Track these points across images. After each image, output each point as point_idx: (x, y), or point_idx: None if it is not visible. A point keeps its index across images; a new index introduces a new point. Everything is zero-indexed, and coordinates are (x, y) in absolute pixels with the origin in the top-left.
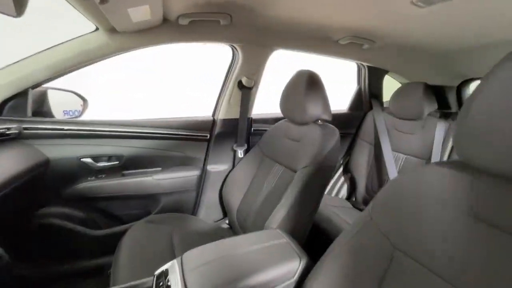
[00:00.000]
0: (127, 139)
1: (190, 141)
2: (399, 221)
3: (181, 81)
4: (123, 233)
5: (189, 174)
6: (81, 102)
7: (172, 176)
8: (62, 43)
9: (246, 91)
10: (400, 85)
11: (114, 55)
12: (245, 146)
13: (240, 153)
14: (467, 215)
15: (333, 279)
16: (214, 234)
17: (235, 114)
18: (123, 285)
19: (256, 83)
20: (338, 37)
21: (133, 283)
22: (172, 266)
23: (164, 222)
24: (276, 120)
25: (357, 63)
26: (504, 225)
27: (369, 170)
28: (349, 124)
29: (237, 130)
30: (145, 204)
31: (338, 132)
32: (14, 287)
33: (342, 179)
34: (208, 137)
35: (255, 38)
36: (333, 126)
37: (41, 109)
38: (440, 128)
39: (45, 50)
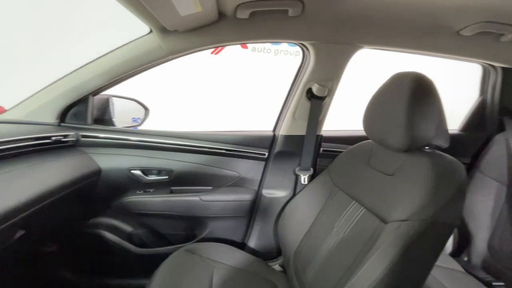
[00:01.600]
0: (179, 153)
1: (245, 159)
2: None
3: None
4: (167, 255)
5: (241, 198)
6: (142, 110)
7: (222, 198)
8: (118, 47)
9: (316, 102)
10: None
11: (168, 60)
12: (311, 171)
13: (303, 179)
14: None
15: None
16: (264, 280)
17: (300, 130)
18: None
19: (330, 91)
20: (462, 25)
21: None
22: None
23: (207, 254)
24: (355, 140)
25: (482, 64)
26: None
27: (497, 220)
28: (462, 150)
29: (301, 150)
30: (192, 226)
31: (463, 169)
32: None
33: None
34: (266, 155)
35: (334, 33)
36: (452, 157)
37: (103, 117)
38: None
39: (102, 56)
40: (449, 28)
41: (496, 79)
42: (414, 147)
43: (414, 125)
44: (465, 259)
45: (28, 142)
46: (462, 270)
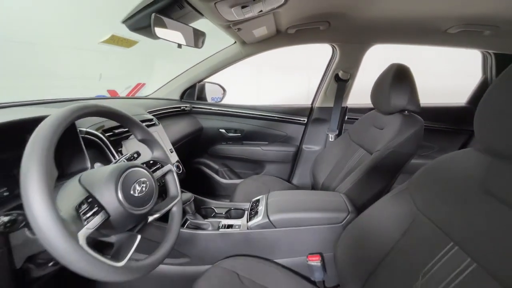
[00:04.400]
0: (247, 118)
1: (290, 124)
2: (429, 191)
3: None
4: (237, 184)
5: (288, 149)
6: (222, 91)
7: (275, 149)
8: (216, 53)
9: (341, 83)
10: None
11: (243, 59)
12: (336, 132)
13: (331, 137)
14: (484, 192)
15: (366, 228)
16: None
17: (330, 103)
18: (236, 203)
19: (352, 76)
20: (446, 26)
21: (240, 203)
22: (262, 197)
23: (266, 182)
24: (370, 110)
25: (481, 51)
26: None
27: None
28: (466, 120)
29: (330, 117)
30: (254, 167)
31: (421, 122)
32: None
33: None
34: (305, 121)
35: (353, 37)
36: (418, 117)
37: (201, 96)
38: None
39: (206, 58)
40: (437, 28)
41: (492, 62)
42: (395, 111)
43: (393, 97)
44: None
45: (172, 109)
46: None
